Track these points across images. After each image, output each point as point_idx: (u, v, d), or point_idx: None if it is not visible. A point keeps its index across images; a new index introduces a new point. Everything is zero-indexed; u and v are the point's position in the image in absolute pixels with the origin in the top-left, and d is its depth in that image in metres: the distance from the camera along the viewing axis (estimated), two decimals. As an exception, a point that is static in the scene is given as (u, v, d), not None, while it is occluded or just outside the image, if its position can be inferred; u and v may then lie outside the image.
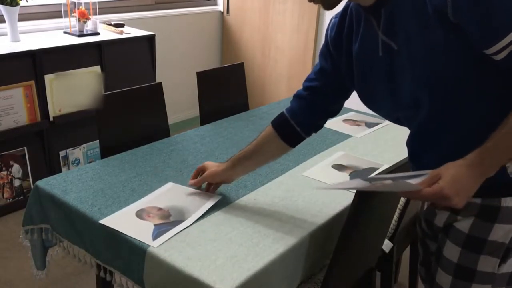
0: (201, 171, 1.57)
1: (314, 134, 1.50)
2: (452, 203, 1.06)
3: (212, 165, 1.55)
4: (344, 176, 1.74)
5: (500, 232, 1.14)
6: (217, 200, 1.51)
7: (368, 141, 2.09)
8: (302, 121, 1.45)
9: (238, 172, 1.55)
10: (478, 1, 0.98)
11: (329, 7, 1.17)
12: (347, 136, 2.12)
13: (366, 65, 1.24)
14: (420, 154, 1.24)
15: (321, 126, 1.49)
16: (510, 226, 1.13)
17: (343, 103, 1.47)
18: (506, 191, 1.12)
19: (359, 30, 1.24)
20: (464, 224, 1.18)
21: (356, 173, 1.77)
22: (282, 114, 1.48)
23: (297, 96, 1.47)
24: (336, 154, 1.92)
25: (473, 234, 1.17)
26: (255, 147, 1.50)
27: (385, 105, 1.26)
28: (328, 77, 1.40)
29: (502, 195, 1.12)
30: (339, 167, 1.81)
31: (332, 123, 2.25)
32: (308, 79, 1.45)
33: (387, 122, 2.30)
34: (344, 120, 2.32)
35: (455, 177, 1.06)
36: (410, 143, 1.25)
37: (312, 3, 1.16)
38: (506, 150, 1.05)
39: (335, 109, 1.47)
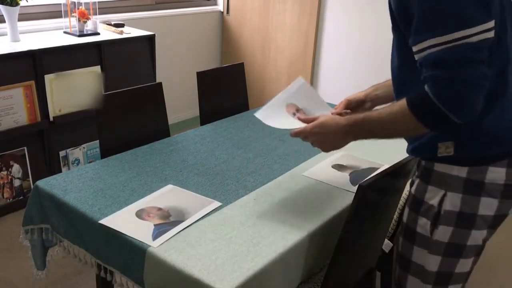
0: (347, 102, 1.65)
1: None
2: (309, 141, 1.40)
3: (354, 95, 1.65)
4: (344, 176, 1.74)
5: (431, 194, 1.28)
6: (218, 205, 1.51)
7: (368, 141, 2.08)
8: None
9: (379, 95, 1.63)
10: (410, 2, 1.15)
11: None
12: (347, 136, 2.12)
13: None
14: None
15: None
16: (439, 189, 1.27)
17: None
18: (438, 160, 1.27)
19: None
20: (413, 186, 1.35)
21: (356, 173, 1.77)
22: None
23: None
24: (336, 154, 1.92)
25: (415, 195, 1.33)
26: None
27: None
28: None
29: (436, 160, 1.28)
30: (339, 167, 1.81)
31: (332, 123, 2.24)
32: None
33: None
34: (344, 120, 2.32)
35: (322, 124, 1.36)
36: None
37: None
38: (368, 130, 1.32)
39: None
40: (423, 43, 1.14)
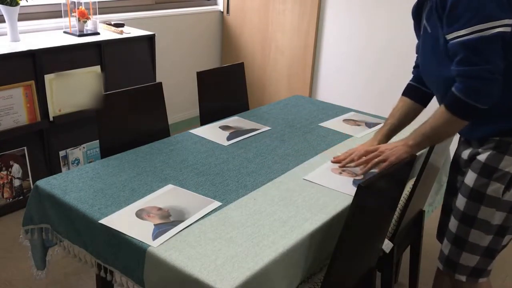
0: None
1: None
2: (383, 156, 1.61)
3: (364, 146, 1.80)
4: (346, 180, 1.74)
5: (507, 162, 1.48)
6: (218, 205, 1.51)
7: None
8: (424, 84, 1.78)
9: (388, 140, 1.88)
10: (450, 8, 1.41)
11: None
12: (347, 136, 2.12)
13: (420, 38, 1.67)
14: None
15: None
16: None
17: None
18: None
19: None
20: (482, 156, 1.52)
21: (357, 178, 1.77)
22: (409, 84, 1.84)
23: (414, 67, 1.85)
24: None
25: (487, 163, 1.50)
26: (402, 118, 1.81)
27: (423, 72, 1.68)
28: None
29: None
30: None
31: (332, 123, 2.25)
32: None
33: (387, 122, 2.30)
34: (344, 120, 2.32)
35: (391, 145, 1.64)
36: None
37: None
38: (427, 140, 1.56)
39: None
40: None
